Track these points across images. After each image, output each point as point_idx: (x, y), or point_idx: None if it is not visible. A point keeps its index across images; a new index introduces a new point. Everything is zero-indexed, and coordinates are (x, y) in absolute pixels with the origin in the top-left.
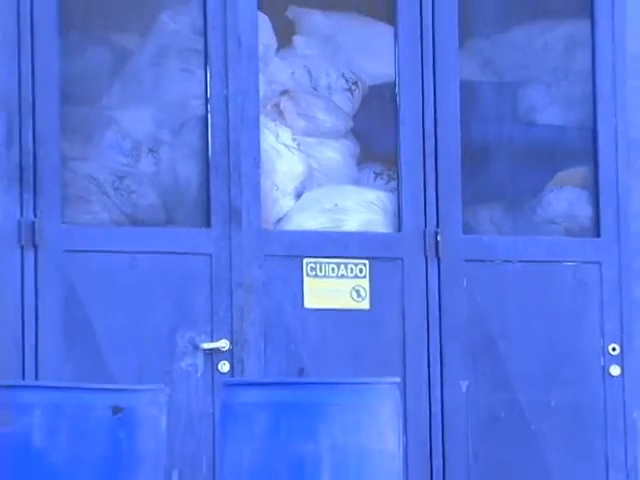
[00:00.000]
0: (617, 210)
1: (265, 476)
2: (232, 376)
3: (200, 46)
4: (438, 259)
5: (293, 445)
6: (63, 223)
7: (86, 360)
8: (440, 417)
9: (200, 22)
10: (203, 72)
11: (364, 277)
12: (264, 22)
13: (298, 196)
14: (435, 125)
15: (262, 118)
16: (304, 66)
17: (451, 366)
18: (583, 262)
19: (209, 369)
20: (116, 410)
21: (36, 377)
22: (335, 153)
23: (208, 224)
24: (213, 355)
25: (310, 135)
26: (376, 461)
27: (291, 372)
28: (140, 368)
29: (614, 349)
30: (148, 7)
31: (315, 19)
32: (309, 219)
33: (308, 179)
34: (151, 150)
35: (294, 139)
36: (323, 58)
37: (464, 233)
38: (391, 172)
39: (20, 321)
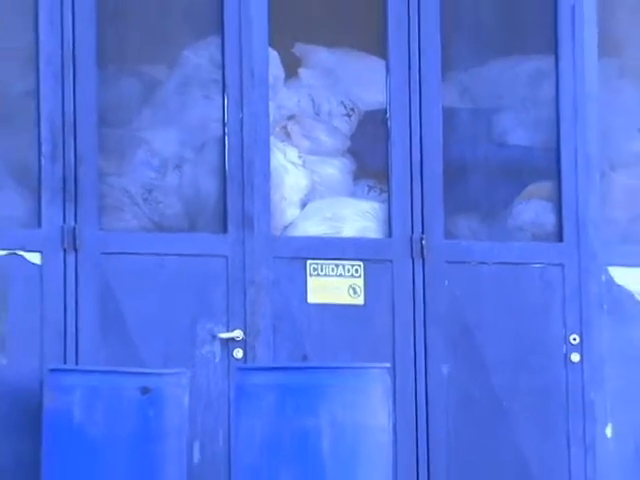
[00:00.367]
0: (577, 219)
1: (273, 447)
2: (245, 362)
3: (218, 77)
4: (423, 261)
5: (297, 420)
6: (100, 229)
7: (119, 347)
8: (424, 397)
9: (218, 56)
10: (221, 99)
11: (359, 276)
12: (274, 57)
13: (303, 206)
14: (420, 145)
15: (272, 139)
16: (308, 94)
17: (434, 353)
18: (548, 264)
19: (225, 355)
20: (145, 391)
21: (76, 362)
22: (334, 169)
23: (225, 230)
24: (229, 343)
25: (313, 154)
26: (369, 435)
27: (296, 358)
28: (166, 354)
29: (574, 339)
30: (174, 43)
31: (318, 54)
32: (312, 226)
33: (311, 192)
34: (176, 166)
35: (299, 157)
36: (325, 88)
37: (445, 238)
38: (382, 186)
39: (62, 314)
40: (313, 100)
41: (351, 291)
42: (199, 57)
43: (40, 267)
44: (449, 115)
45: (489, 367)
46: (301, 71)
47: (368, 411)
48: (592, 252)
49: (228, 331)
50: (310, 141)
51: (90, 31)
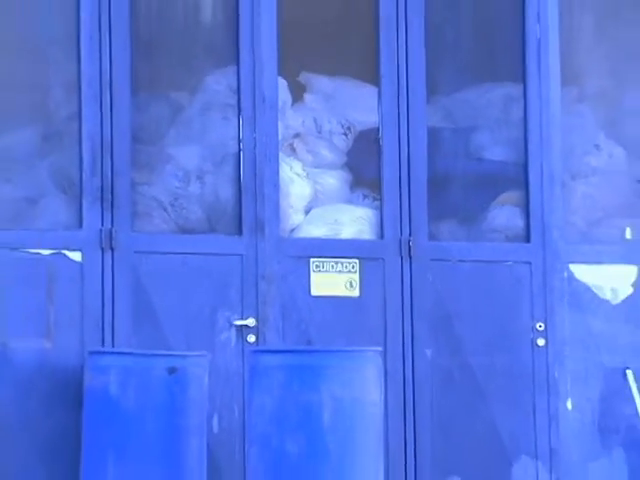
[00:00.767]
0: (542, 223)
1: (281, 419)
2: (257, 345)
3: (234, 101)
4: (410, 259)
5: (302, 396)
6: (133, 231)
7: (149, 333)
8: (411, 376)
9: (235, 83)
10: (237, 120)
11: (355, 272)
12: (282, 84)
13: (307, 212)
14: (408, 160)
15: (280, 154)
16: (311, 116)
17: (419, 338)
18: (517, 262)
19: (240, 340)
20: (171, 370)
21: (112, 346)
22: (334, 180)
23: (240, 233)
24: (243, 330)
25: (316, 167)
26: (363, 408)
27: (301, 342)
28: (189, 339)
29: (540, 326)
30: (196, 72)
31: (320, 82)
32: (315, 229)
33: (314, 199)
34: (198, 177)
35: (304, 170)
36: (325, 110)
37: (429, 240)
38: (375, 194)
39: (100, 304)
40: (315, 121)
41: (348, 285)
42: (218, 84)
43: (81, 264)
44: (433, 134)
45: (467, 350)
46: (305, 96)
47: (362, 388)
48: (555, 251)
49: (242, 319)
50: (313, 156)
51: (125, 62)
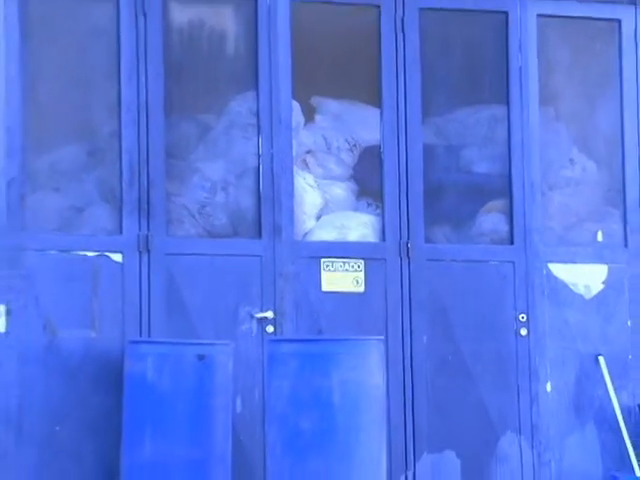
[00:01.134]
0: (524, 227)
1: (296, 400)
2: (275, 335)
3: (254, 122)
4: (409, 259)
5: (314, 380)
6: (166, 236)
7: (180, 325)
8: (410, 361)
9: (254, 106)
10: (256, 138)
11: (361, 271)
12: (296, 106)
13: (318, 218)
14: (406, 173)
15: (295, 168)
16: (321, 135)
17: (416, 328)
18: (502, 261)
19: (260, 330)
20: (200, 357)
21: (149, 335)
22: (341, 190)
23: (259, 236)
24: (262, 321)
25: (325, 179)
26: (368, 390)
27: (313, 332)
28: (215, 330)
29: (522, 318)
30: (221, 97)
31: (329, 104)
32: (325, 233)
33: (324, 207)
34: (223, 188)
35: (315, 181)
36: (334, 129)
37: (425, 242)
38: (378, 203)
39: (138, 299)
40: (325, 139)
41: (354, 282)
42: (240, 107)
43: (121, 265)
44: (428, 150)
45: (458, 338)
46: (316, 117)
47: (367, 372)
48: (535, 252)
49: (262, 312)
50: (323, 169)
51: (159, 88)
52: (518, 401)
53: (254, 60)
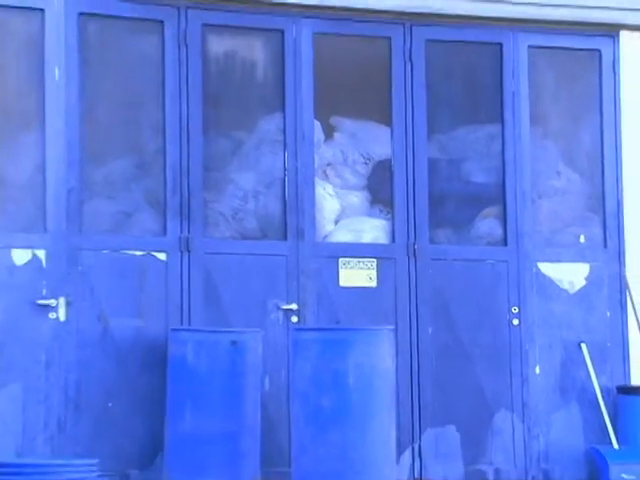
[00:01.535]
0: (516, 231)
1: (317, 381)
2: (298, 324)
3: (281, 138)
4: (415, 259)
5: (333, 363)
6: (204, 238)
7: (216, 315)
8: (416, 348)
9: (281, 125)
10: (283, 153)
11: (373, 269)
12: (317, 125)
13: (336, 223)
14: (413, 183)
15: (316, 179)
16: (340, 150)
17: (422, 319)
18: (497, 261)
19: (285, 320)
20: (233, 343)
21: (189, 324)
22: (357, 198)
23: (285, 238)
24: (288, 312)
25: (343, 188)
26: (380, 373)
27: (331, 322)
28: (247, 319)
29: (515, 310)
30: (252, 117)
31: (346, 123)
32: (342, 236)
33: (342, 213)
34: (253, 196)
35: (334, 190)
36: (350, 145)
37: (430, 244)
38: (388, 209)
39: (179, 293)
40: (343, 153)
41: (368, 278)
42: (268, 125)
43: (165, 263)
44: (432, 163)
45: (459, 328)
46: (335, 134)
47: (379, 357)
48: (526, 253)
49: (287, 304)
50: (341, 180)
51: (198, 109)
52: (510, 382)
53: (281, 85)
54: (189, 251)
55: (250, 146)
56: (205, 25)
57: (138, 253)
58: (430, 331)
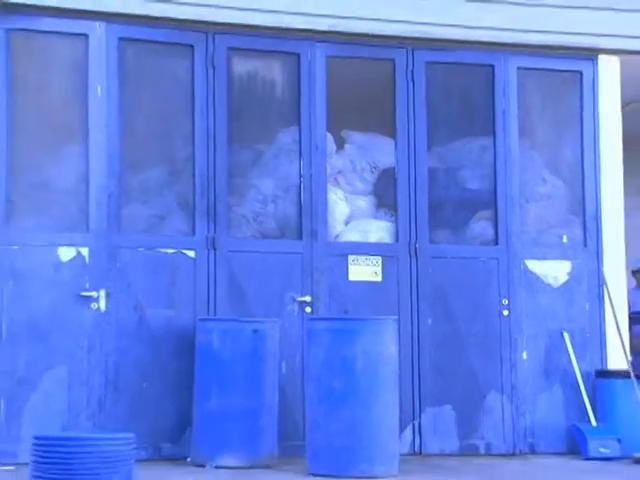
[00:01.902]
0: (506, 232)
1: (328, 365)
2: (312, 314)
3: (297, 149)
4: (416, 257)
5: (342, 350)
6: (228, 237)
7: (239, 306)
8: (417, 337)
9: (297, 137)
10: (298, 162)
11: (379, 266)
12: (329, 137)
13: (346, 224)
14: (415, 189)
15: (328, 185)
16: (349, 159)
17: (422, 311)
18: (489, 258)
19: (300, 311)
20: (254, 331)
21: (214, 314)
22: (364, 203)
23: (300, 238)
24: (302, 304)
25: (352, 194)
26: (384, 359)
27: (341, 312)
28: (266, 310)
29: (505, 302)
30: (271, 130)
31: (355, 136)
32: (351, 236)
33: (351, 216)
34: (272, 201)
35: (344, 195)
36: (359, 155)
37: (430, 244)
38: (392, 212)
39: (206, 286)
40: (352, 162)
41: (374, 274)
42: (286, 137)
43: (194, 259)
44: (432, 171)
45: (455, 319)
46: (345, 146)
47: (383, 345)
48: (515, 251)
49: (302, 296)
50: (350, 186)
51: (223, 123)
52: (501, 367)
53: (297, 102)
54: (215, 249)
55: (269, 156)
56: (230, 49)
57: (170, 251)
58: (429, 321)
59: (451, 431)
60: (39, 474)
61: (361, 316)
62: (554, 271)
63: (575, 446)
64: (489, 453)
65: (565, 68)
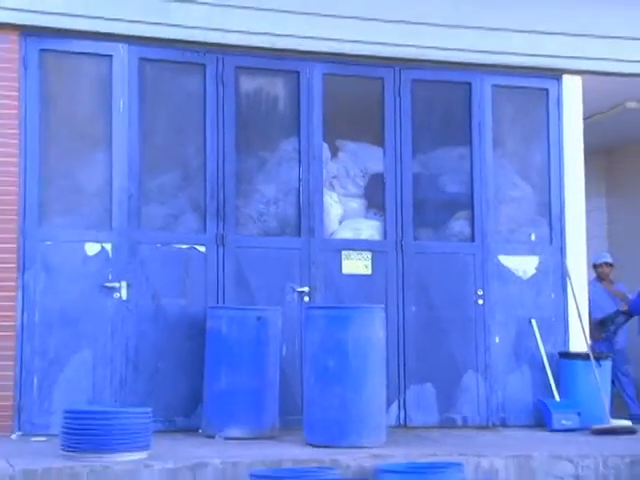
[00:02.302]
0: (482, 230)
1: (324, 348)
2: (309, 303)
3: (297, 157)
4: (402, 252)
5: (336, 334)
6: (235, 235)
7: (245, 296)
8: (402, 323)
9: (297, 146)
10: (298, 168)
11: (369, 260)
12: (325, 147)
13: (340, 223)
14: (401, 192)
15: (324, 189)
16: (343, 165)
17: (407, 300)
18: (467, 254)
19: (299, 300)
20: (258, 318)
21: (223, 303)
22: (356, 204)
23: (299, 235)
24: (301, 294)
25: (345, 196)
26: (373, 342)
27: (335, 301)
28: (269, 299)
29: (480, 292)
30: (274, 140)
31: (348, 145)
32: (345, 233)
33: (344, 215)
34: (274, 202)
35: (338, 198)
36: (351, 162)
37: (414, 240)
38: (381, 213)
39: (216, 278)
40: (345, 168)
41: (364, 267)
42: (286, 146)
43: (205, 254)
44: (416, 177)
45: (436, 307)
46: (339, 154)
47: (372, 330)
48: (489, 248)
49: (301, 287)
50: (344, 189)
51: (231, 133)
52: (476, 349)
53: (297, 115)
54: (224, 245)
55: (272, 163)
56: (238, 68)
57: (183, 246)
58: (413, 309)
59: (432, 406)
60: (68, 443)
61: (353, 304)
62: (523, 265)
63: (541, 419)
64: (465, 425)
65: (533, 86)
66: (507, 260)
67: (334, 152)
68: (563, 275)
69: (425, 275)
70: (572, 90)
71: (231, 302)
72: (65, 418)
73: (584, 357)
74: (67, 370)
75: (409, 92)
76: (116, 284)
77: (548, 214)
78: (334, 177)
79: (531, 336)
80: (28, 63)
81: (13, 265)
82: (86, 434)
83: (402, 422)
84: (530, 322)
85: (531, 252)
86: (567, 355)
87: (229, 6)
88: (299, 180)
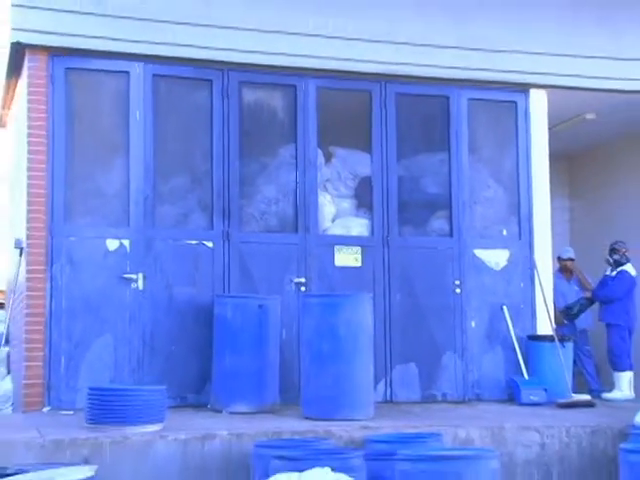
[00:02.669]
0: (459, 227)
1: (318, 331)
2: (305, 292)
3: (294, 162)
4: (388, 247)
5: (329, 319)
6: (240, 232)
7: (248, 286)
8: (388, 310)
9: (294, 152)
10: (295, 172)
11: (359, 254)
12: (319, 153)
13: (332, 221)
14: (387, 193)
15: (319, 190)
16: (335, 170)
17: (393, 289)
18: (446, 248)
19: (297, 290)
20: (260, 306)
21: (228, 292)
22: (347, 204)
23: (296, 232)
24: (298, 284)
25: (338, 197)
26: (362, 326)
27: (328, 290)
28: (270, 289)
29: (458, 282)
30: (273, 147)
31: (339, 151)
32: (337, 230)
33: (336, 214)
34: (274, 202)
35: (331, 198)
36: (342, 166)
37: (398, 236)
38: (370, 211)
39: (222, 271)
40: (337, 172)
41: (355, 260)
42: (285, 152)
43: (212, 249)
44: (400, 180)
45: (418, 295)
46: (332, 159)
47: (361, 315)
48: (465, 242)
49: (298, 278)
50: (336, 191)
51: (235, 141)
52: (454, 333)
53: (294, 124)
54: (229, 241)
55: (272, 167)
56: (241, 82)
57: (193, 242)
58: (398, 297)
59: (415, 383)
60: (92, 417)
61: (344, 293)
62: (496, 258)
63: (511, 394)
64: (445, 401)
65: (504, 99)
66: (481, 253)
67: (327, 157)
68: (531, 267)
69: (409, 267)
70: (538, 103)
71: (236, 291)
72: (89, 395)
73: (550, 339)
74: (91, 352)
75: (394, 104)
76: (133, 275)
77: (517, 213)
78: (327, 180)
79: (503, 321)
80: (55, 80)
81: (42, 258)
82: (108, 409)
83: (388, 398)
84: (502, 308)
85: (503, 246)
86: (535, 337)
87: (233, 28)
88: (296, 182)
